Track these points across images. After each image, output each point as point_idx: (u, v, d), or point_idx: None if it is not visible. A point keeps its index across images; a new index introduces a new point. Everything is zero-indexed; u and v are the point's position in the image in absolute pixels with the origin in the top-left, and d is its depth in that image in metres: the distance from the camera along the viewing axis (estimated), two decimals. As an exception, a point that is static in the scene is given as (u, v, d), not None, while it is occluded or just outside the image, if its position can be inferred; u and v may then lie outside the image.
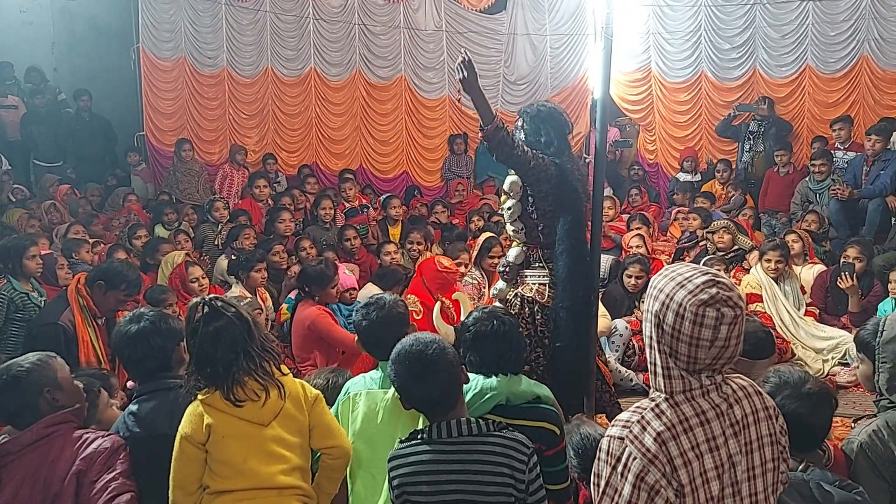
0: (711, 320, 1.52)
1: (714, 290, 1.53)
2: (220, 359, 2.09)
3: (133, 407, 2.31)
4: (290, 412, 2.16)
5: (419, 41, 9.30)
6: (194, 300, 2.18)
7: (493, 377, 2.30)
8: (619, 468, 1.56)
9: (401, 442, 2.05)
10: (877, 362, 2.41)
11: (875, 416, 2.46)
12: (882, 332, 2.39)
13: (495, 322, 2.35)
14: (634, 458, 1.54)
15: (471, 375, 2.29)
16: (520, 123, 3.44)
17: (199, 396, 2.12)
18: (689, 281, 1.56)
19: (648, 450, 1.53)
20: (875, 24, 7.67)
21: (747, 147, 8.05)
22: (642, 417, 1.58)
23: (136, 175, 8.82)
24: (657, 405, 1.59)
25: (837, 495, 1.97)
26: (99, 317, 3.66)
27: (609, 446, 1.59)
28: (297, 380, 2.28)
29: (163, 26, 8.91)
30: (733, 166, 8.08)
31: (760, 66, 8.25)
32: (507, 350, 2.34)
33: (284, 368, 2.25)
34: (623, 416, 1.63)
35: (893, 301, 4.75)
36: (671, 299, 1.56)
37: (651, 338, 1.62)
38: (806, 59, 8.02)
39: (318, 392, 2.27)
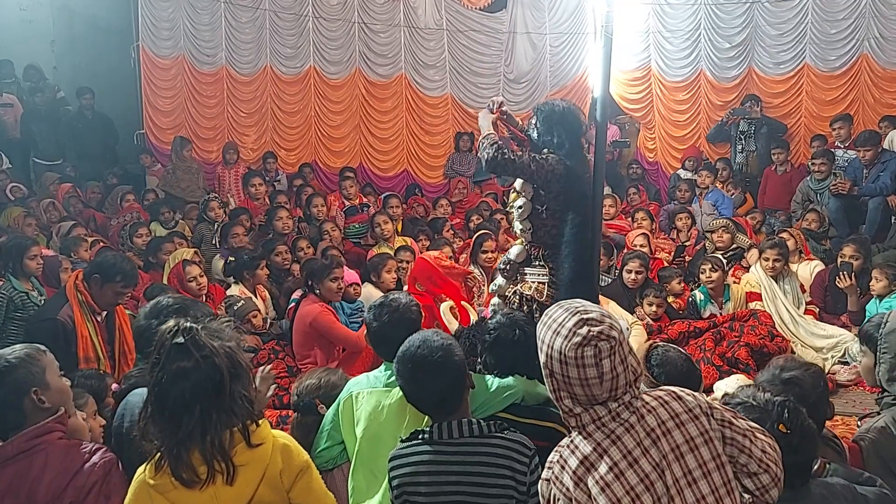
0: (591, 359, 1.58)
1: (584, 330, 1.59)
2: (172, 408, 1.69)
3: None
4: (263, 497, 1.76)
5: (419, 39, 9.30)
6: (169, 323, 1.76)
7: (510, 377, 2.33)
8: None
9: (402, 441, 2.05)
10: (878, 354, 2.42)
11: (879, 413, 2.47)
12: (885, 324, 2.41)
13: (517, 332, 2.40)
14: (559, 499, 1.62)
15: (486, 376, 2.32)
16: (533, 121, 3.46)
17: (148, 476, 1.73)
18: (562, 326, 1.63)
19: (568, 489, 1.60)
20: (875, 23, 7.68)
21: (739, 148, 8.06)
22: (561, 456, 1.65)
23: (153, 175, 8.74)
24: (572, 441, 1.66)
25: (871, 494, 1.98)
26: (98, 312, 3.66)
27: (541, 489, 1.69)
28: (282, 440, 1.83)
29: (162, 24, 8.90)
30: (732, 165, 8.09)
31: (758, 65, 8.26)
32: (524, 357, 2.36)
33: (262, 432, 1.78)
34: (550, 456, 1.69)
35: (877, 300, 4.73)
36: (552, 349, 1.63)
37: (549, 388, 1.69)
38: (804, 58, 8.03)
39: (305, 460, 1.85)
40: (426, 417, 2.16)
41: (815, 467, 2.04)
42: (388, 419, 2.29)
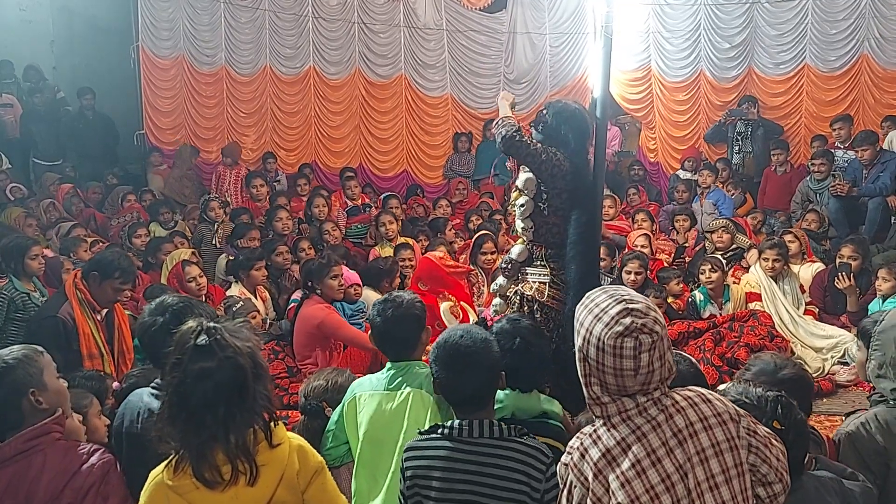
0: (630, 350, 1.54)
1: (628, 320, 1.55)
2: (194, 409, 1.67)
3: (153, 402, 2.15)
4: (281, 498, 1.76)
5: (419, 39, 9.30)
6: (191, 323, 1.74)
7: (501, 391, 2.30)
8: (566, 493, 1.63)
9: (420, 433, 2.04)
10: (870, 350, 2.45)
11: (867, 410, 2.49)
12: (881, 322, 2.43)
13: (517, 341, 2.36)
14: (575, 486, 1.60)
15: None
16: (543, 112, 3.46)
17: (166, 478, 1.71)
18: (605, 313, 1.58)
19: (586, 478, 1.57)
20: (875, 23, 7.67)
21: (736, 149, 8.07)
22: (581, 444, 1.62)
23: (157, 174, 8.69)
24: (595, 430, 1.63)
25: (857, 489, 1.99)
26: (98, 310, 3.66)
27: (559, 472, 1.66)
28: (297, 441, 1.85)
29: (162, 24, 8.90)
30: (731, 166, 8.09)
31: (758, 65, 8.26)
32: (525, 367, 2.34)
33: (279, 433, 1.79)
34: (570, 441, 1.67)
35: (881, 300, 4.74)
36: (591, 334, 1.59)
37: (580, 371, 1.65)
38: (804, 58, 8.03)
39: (319, 461, 1.87)
40: (426, 422, 2.15)
41: (804, 462, 2.05)
42: (388, 423, 2.28)
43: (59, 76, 9.35)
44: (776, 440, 1.72)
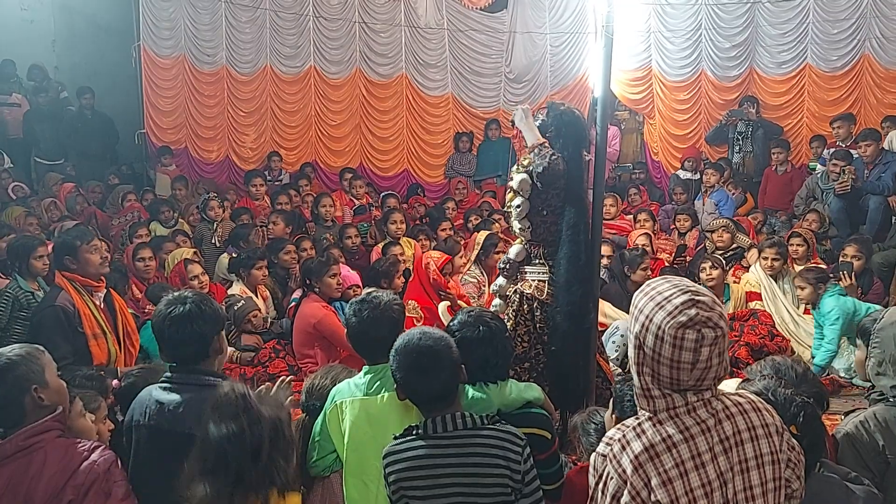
0: (691, 343, 1.49)
1: (693, 312, 1.50)
2: (209, 465, 1.75)
3: (161, 395, 2.17)
4: None
5: (420, 38, 9.30)
6: (227, 387, 1.83)
7: (483, 388, 2.28)
8: (601, 485, 1.59)
9: (395, 438, 2.04)
10: (869, 348, 2.45)
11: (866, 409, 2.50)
12: (880, 320, 2.43)
13: (482, 328, 2.30)
14: (612, 478, 1.56)
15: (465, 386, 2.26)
16: (544, 115, 3.46)
17: None
18: (669, 301, 1.53)
19: (624, 471, 1.53)
20: (877, 23, 7.67)
21: (737, 149, 8.07)
22: (623, 436, 1.58)
23: (165, 173, 8.61)
24: (639, 424, 1.58)
25: (861, 492, 1.98)
26: (96, 288, 3.65)
27: (594, 462, 1.61)
28: None
29: (163, 24, 8.90)
30: (732, 166, 8.09)
31: (760, 65, 8.26)
32: (494, 356, 2.31)
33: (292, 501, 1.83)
34: (610, 432, 1.63)
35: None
36: (650, 321, 1.54)
37: (632, 359, 1.60)
38: (806, 58, 8.03)
39: None
40: (412, 422, 2.15)
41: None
42: (372, 428, 2.25)
43: (60, 75, 9.36)
44: (802, 455, 1.70)
